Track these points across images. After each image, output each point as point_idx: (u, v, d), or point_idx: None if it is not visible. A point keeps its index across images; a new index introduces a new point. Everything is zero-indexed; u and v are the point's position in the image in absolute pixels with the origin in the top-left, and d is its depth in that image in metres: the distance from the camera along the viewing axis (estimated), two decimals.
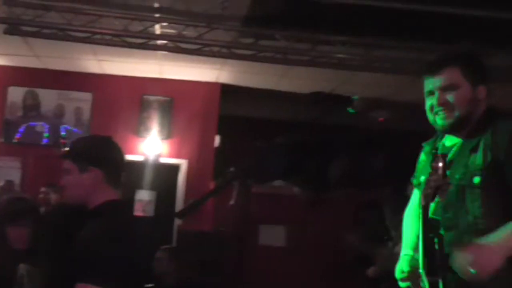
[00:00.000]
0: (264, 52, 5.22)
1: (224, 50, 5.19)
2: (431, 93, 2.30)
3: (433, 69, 2.32)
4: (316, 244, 7.06)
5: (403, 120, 6.86)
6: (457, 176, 2.21)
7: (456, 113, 2.25)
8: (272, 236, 7.27)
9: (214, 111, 6.71)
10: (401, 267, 2.43)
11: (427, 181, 2.18)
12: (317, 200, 7.32)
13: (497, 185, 2.13)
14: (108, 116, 6.53)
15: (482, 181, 2.12)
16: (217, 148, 6.85)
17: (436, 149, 2.38)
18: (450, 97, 2.26)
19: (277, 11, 4.66)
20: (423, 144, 2.51)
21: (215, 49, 5.18)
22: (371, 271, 5.02)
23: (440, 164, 2.14)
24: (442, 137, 2.41)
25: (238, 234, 6.06)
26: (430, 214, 2.23)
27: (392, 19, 4.59)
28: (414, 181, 2.56)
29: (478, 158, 2.16)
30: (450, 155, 2.28)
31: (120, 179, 2.21)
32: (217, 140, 6.85)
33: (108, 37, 5.01)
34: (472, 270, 2.02)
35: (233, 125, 7.08)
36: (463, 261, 2.06)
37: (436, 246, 2.17)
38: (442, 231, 2.20)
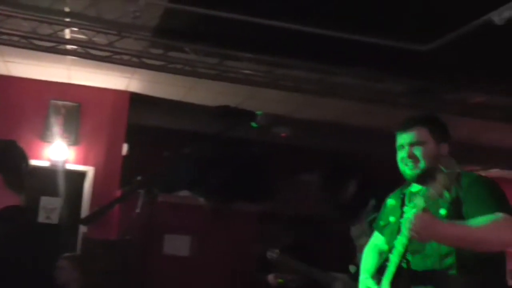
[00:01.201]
0: (173, 64, 5.20)
1: (134, 59, 5.11)
2: (402, 147, 2.65)
3: (405, 127, 2.67)
4: (220, 254, 7.05)
5: (303, 136, 7.02)
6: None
7: (422, 165, 2.59)
8: (177, 245, 7.20)
9: (123, 119, 6.57)
10: (368, 284, 2.70)
11: (429, 191, 2.37)
12: (221, 211, 7.33)
13: (458, 217, 2.42)
14: (13, 119, 6.23)
15: (447, 213, 2.43)
16: (124, 157, 6.70)
17: (404, 194, 2.73)
18: (417, 151, 2.61)
19: (188, 24, 4.66)
20: (387, 199, 2.87)
21: (126, 57, 5.10)
22: (270, 278, 5.07)
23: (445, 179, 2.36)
24: (408, 186, 2.74)
25: (143, 243, 5.96)
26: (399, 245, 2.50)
27: (296, 40, 4.71)
28: (380, 223, 2.90)
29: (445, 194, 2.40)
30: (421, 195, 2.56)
31: (22, 184, 2.11)
32: (125, 148, 6.71)
33: (15, 38, 4.80)
34: (410, 227, 2.30)
35: (142, 134, 6.96)
36: (411, 220, 2.32)
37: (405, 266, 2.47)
38: (409, 256, 2.48)
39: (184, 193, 7.42)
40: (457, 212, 2.43)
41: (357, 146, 6.34)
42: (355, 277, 3.93)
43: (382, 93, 5.43)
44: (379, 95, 5.44)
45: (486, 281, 2.44)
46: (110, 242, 6.19)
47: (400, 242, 2.48)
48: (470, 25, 4.10)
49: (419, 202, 2.35)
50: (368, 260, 2.91)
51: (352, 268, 4.05)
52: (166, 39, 4.89)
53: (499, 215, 2.35)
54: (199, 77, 5.41)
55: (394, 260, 2.47)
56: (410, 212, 2.42)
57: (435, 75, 5.21)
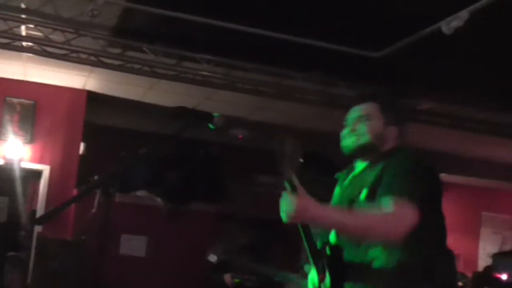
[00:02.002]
0: (131, 64, 5.14)
1: (92, 57, 5.03)
2: (349, 119, 2.45)
3: (359, 101, 2.47)
4: (176, 254, 7.00)
5: (259, 139, 7.02)
6: (349, 191, 2.37)
7: (364, 139, 2.38)
8: (134, 246, 7.11)
9: (80, 118, 6.46)
10: (313, 281, 2.54)
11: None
12: (177, 212, 7.28)
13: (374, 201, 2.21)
14: None
15: (366, 197, 2.23)
16: (81, 156, 6.58)
17: (346, 180, 2.51)
18: (362, 125, 2.39)
19: (146, 24, 4.61)
20: (336, 176, 2.62)
21: (83, 56, 5.02)
22: (227, 278, 5.06)
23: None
24: (352, 169, 2.51)
25: (99, 243, 5.85)
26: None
27: (253, 43, 4.72)
28: None
29: (373, 174, 2.28)
30: (355, 173, 2.43)
31: None
32: (81, 147, 6.59)
33: None
34: (283, 207, 2.11)
35: (99, 134, 6.87)
36: (285, 200, 2.12)
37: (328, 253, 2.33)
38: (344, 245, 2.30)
39: (141, 193, 7.33)
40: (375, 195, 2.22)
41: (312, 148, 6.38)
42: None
43: (336, 98, 5.49)
44: (333, 100, 5.49)
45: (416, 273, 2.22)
46: (65, 242, 6.08)
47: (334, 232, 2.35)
48: (420, 33, 4.18)
49: (291, 182, 2.15)
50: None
51: (307, 268, 4.06)
52: (124, 38, 4.83)
53: (392, 202, 2.12)
54: (157, 77, 5.36)
55: (328, 250, 2.35)
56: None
57: (387, 81, 5.29)
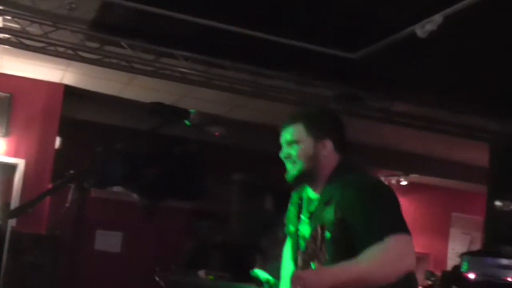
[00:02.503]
0: (109, 58, 5.08)
1: (69, 51, 4.96)
2: (283, 142, 2.32)
3: (284, 125, 2.33)
4: (151, 251, 6.96)
5: (236, 136, 7.03)
6: (308, 228, 2.27)
7: (298, 166, 2.27)
8: (109, 241, 7.05)
9: (56, 112, 6.36)
10: None
11: (306, 248, 2.17)
12: (153, 208, 7.24)
13: (344, 240, 2.13)
14: None
15: (331, 237, 2.14)
16: (57, 150, 6.50)
17: (301, 199, 2.41)
18: (293, 151, 2.28)
19: (125, 19, 4.57)
20: (292, 193, 2.51)
21: (61, 49, 4.94)
22: (201, 274, 5.05)
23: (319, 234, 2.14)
24: (305, 189, 2.39)
25: (73, 238, 5.78)
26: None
27: (232, 41, 4.71)
28: (286, 230, 2.54)
29: (330, 214, 2.16)
30: (312, 208, 2.30)
31: None
32: (57, 141, 6.51)
33: None
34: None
35: (75, 128, 6.79)
36: (295, 282, 2.03)
37: None
38: None
39: (117, 188, 7.27)
40: (342, 233, 2.15)
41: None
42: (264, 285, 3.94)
43: (313, 97, 5.51)
44: (310, 99, 5.51)
45: None
46: (40, 236, 6.00)
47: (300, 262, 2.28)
48: (396, 36, 4.22)
49: (299, 259, 2.11)
50: (286, 270, 2.61)
51: (260, 276, 4.03)
52: (103, 33, 4.78)
53: (389, 240, 2.06)
54: (135, 73, 5.32)
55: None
56: (304, 234, 2.19)
57: (363, 82, 5.33)
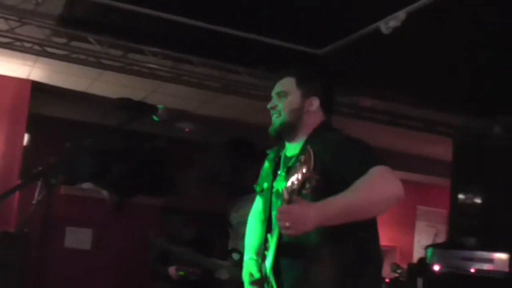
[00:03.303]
0: (77, 54, 5.01)
1: (36, 47, 4.87)
2: (273, 95, 2.37)
3: (278, 77, 2.40)
4: (122, 247, 6.90)
5: (205, 132, 7.02)
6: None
7: (282, 118, 2.28)
8: (78, 238, 6.97)
9: (24, 108, 6.23)
10: (250, 270, 2.37)
11: (292, 177, 1.99)
12: (123, 205, 7.18)
13: (325, 191, 2.06)
14: None
15: (312, 188, 2.02)
16: (25, 147, 6.39)
17: (279, 157, 2.39)
18: (280, 102, 2.31)
19: (92, 14, 4.51)
20: (267, 151, 2.50)
21: (27, 45, 4.85)
22: (171, 270, 5.02)
23: (311, 157, 1.97)
24: (284, 146, 2.39)
25: (43, 236, 5.70)
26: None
27: (200, 37, 4.69)
28: (257, 188, 2.53)
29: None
30: (290, 164, 2.27)
31: None
32: (25, 138, 6.39)
33: None
34: (285, 225, 1.94)
35: (43, 124, 6.68)
36: (282, 217, 1.97)
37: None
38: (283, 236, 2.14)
39: (86, 185, 7.19)
40: (323, 186, 2.05)
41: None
42: (239, 263, 3.97)
43: None
44: None
45: (354, 247, 2.17)
46: (7, 234, 5.88)
47: (275, 219, 2.17)
48: (361, 32, 4.25)
49: (284, 194, 2.02)
50: (251, 234, 2.57)
51: (235, 256, 4.06)
52: (70, 28, 4.70)
53: (372, 170, 2.04)
54: (103, 68, 5.24)
55: (272, 242, 2.20)
56: (278, 188, 2.14)
57: (329, 78, 5.36)
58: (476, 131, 6.37)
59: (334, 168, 2.11)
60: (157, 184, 7.44)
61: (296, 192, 1.97)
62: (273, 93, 2.39)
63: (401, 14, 3.84)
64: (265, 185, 2.43)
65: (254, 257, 2.46)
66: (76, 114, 7.06)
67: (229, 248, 4.27)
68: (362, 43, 4.35)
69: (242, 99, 5.75)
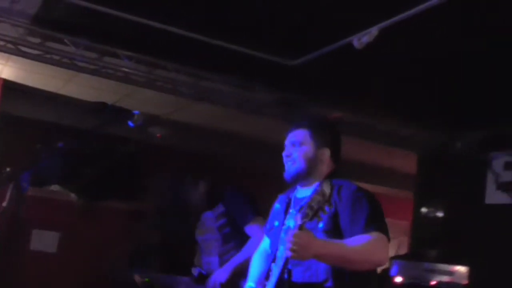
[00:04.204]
0: (51, 54, 4.92)
1: (9, 45, 4.76)
2: (286, 146, 2.64)
3: (292, 127, 2.67)
4: (89, 251, 6.78)
5: (178, 138, 6.97)
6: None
7: (298, 165, 2.56)
8: (45, 241, 6.83)
9: None
10: None
11: (309, 204, 2.26)
12: (92, 208, 7.07)
13: (335, 230, 2.38)
14: None
15: (324, 226, 2.36)
16: None
17: (290, 199, 2.66)
18: (296, 151, 2.58)
19: (68, 16, 4.44)
20: (279, 195, 2.78)
21: (1, 43, 4.75)
22: (137, 276, 4.95)
23: (327, 190, 2.28)
24: (294, 190, 2.68)
25: (9, 238, 5.55)
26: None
27: (175, 43, 4.66)
28: (265, 229, 2.85)
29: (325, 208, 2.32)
30: (302, 203, 2.45)
31: None
32: None
33: None
34: (292, 247, 2.19)
35: (13, 125, 6.53)
36: (292, 240, 2.20)
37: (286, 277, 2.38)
38: (290, 266, 2.40)
39: (54, 187, 7.05)
40: (334, 225, 2.39)
41: (226, 150, 6.38)
42: (198, 279, 3.95)
43: (252, 102, 5.53)
44: (249, 103, 5.52)
45: None
46: None
47: (281, 252, 2.42)
48: (335, 45, 4.28)
49: (296, 219, 2.25)
50: (255, 266, 2.81)
51: (194, 271, 4.05)
52: (45, 28, 4.62)
53: (374, 235, 2.31)
54: (77, 70, 5.16)
55: (275, 270, 2.41)
56: (289, 225, 2.36)
57: (302, 89, 5.40)
58: (439, 146, 6.47)
59: (344, 215, 2.40)
60: (127, 189, 7.35)
61: (309, 218, 2.23)
62: (287, 143, 2.65)
63: (373, 30, 3.88)
64: (276, 223, 2.68)
65: (253, 284, 2.70)
66: (48, 115, 6.93)
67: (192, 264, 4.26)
68: (334, 57, 4.39)
69: (215, 106, 5.74)
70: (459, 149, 6.22)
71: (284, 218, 2.61)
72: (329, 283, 2.38)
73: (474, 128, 6.05)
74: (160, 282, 4.87)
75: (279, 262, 2.39)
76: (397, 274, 5.84)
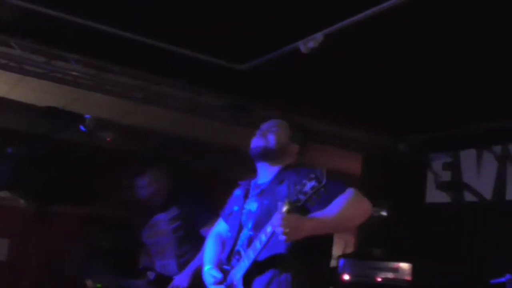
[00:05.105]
0: None
1: None
2: (263, 128, 2.74)
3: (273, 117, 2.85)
4: (40, 258, 6.59)
5: (127, 142, 6.84)
6: (265, 202, 2.56)
7: (271, 144, 2.66)
8: None
9: None
10: (212, 274, 2.65)
11: (296, 190, 2.33)
12: (42, 214, 6.87)
13: (298, 213, 2.39)
14: None
15: (287, 209, 2.36)
16: None
17: (250, 185, 2.77)
18: (273, 133, 2.69)
19: (15, 18, 4.30)
20: (239, 182, 2.86)
21: None
22: (89, 283, 4.83)
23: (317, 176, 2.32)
24: (254, 179, 2.76)
25: None
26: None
27: (124, 47, 4.59)
28: (222, 213, 2.91)
29: (283, 190, 2.51)
30: (263, 187, 2.66)
31: None
32: None
33: None
34: (285, 230, 2.26)
35: None
36: (284, 224, 2.27)
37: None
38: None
39: (3, 193, 6.80)
40: (297, 207, 2.40)
41: (177, 153, 6.32)
42: (154, 283, 3.90)
43: (201, 106, 5.49)
44: (198, 107, 5.49)
45: (313, 261, 2.54)
46: None
47: (245, 234, 2.55)
48: (282, 50, 4.30)
49: (283, 206, 2.33)
50: (211, 250, 2.86)
51: (150, 275, 3.99)
52: None
53: (349, 192, 2.47)
54: (25, 74, 5.01)
55: (250, 255, 2.46)
56: (250, 208, 2.48)
57: (250, 93, 5.41)
58: (383, 148, 6.60)
59: (311, 193, 2.39)
60: (77, 193, 7.17)
61: (300, 203, 2.32)
62: (264, 126, 2.76)
63: (319, 36, 3.93)
64: (236, 208, 2.75)
65: (211, 266, 2.73)
66: None
67: (141, 267, 4.18)
68: (282, 61, 4.42)
69: (164, 110, 5.67)
70: (401, 151, 6.36)
71: (244, 202, 2.69)
72: (286, 253, 2.46)
73: (416, 131, 6.21)
74: (113, 286, 4.78)
75: (257, 245, 2.43)
76: (345, 272, 5.92)
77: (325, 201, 2.44)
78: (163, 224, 3.99)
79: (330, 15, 3.72)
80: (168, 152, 6.48)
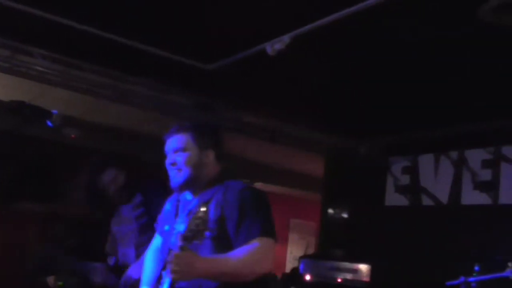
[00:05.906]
0: None
1: None
2: (167, 153, 2.48)
3: (170, 132, 2.49)
4: (1, 257, 6.40)
5: (91, 139, 6.72)
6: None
7: (185, 173, 2.42)
8: None
9: None
10: None
11: (190, 225, 2.17)
12: (4, 212, 6.69)
13: (223, 237, 2.32)
14: None
15: (211, 233, 2.29)
16: None
17: (179, 201, 2.56)
18: (180, 158, 2.43)
19: None
20: (168, 199, 2.68)
21: None
22: (50, 281, 4.71)
23: (203, 210, 2.20)
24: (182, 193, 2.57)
25: None
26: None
27: (92, 44, 4.51)
28: (158, 228, 2.72)
29: (209, 212, 2.30)
30: (190, 207, 2.45)
31: None
32: None
33: None
34: (174, 269, 2.12)
35: None
36: (174, 261, 2.14)
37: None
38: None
39: None
40: (222, 230, 2.32)
41: (144, 151, 6.24)
42: (113, 268, 3.83)
43: (170, 105, 5.44)
44: (167, 106, 5.44)
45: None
46: None
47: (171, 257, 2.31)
48: (249, 51, 4.29)
49: (178, 240, 2.18)
50: (148, 268, 2.71)
51: (110, 260, 3.95)
52: None
53: (257, 242, 2.27)
54: None
55: (167, 279, 2.29)
56: (179, 229, 2.29)
57: (217, 92, 5.38)
58: (344, 151, 6.67)
59: (231, 218, 2.33)
60: (40, 191, 7.00)
61: (189, 240, 2.16)
62: (168, 149, 2.49)
63: (285, 38, 3.93)
64: (166, 227, 2.57)
65: (147, 287, 2.61)
66: None
67: (105, 252, 4.14)
68: (249, 62, 4.41)
69: (131, 108, 5.59)
70: (362, 154, 6.43)
71: (174, 222, 2.51)
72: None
73: (377, 135, 6.29)
74: (74, 274, 4.67)
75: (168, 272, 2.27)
76: (307, 272, 5.95)
77: (236, 234, 2.30)
78: (127, 211, 3.96)
79: (297, 18, 3.73)
80: (133, 150, 6.40)
